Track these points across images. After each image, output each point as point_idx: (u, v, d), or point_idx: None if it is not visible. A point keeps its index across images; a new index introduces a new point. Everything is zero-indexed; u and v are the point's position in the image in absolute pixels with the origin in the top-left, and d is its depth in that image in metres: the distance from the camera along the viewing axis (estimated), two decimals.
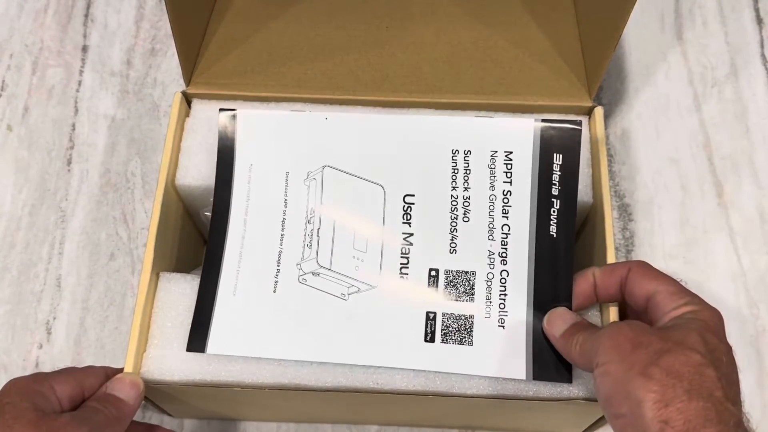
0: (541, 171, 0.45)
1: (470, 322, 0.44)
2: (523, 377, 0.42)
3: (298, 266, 0.45)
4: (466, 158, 0.46)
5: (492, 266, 0.45)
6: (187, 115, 0.52)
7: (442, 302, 0.44)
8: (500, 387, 0.44)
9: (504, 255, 0.45)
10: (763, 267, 0.59)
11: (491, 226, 0.45)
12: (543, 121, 0.46)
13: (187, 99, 0.52)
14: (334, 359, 0.43)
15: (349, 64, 0.54)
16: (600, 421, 0.47)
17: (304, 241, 0.46)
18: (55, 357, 0.56)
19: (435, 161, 0.47)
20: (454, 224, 0.45)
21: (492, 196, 0.46)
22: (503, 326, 0.44)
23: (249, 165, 0.48)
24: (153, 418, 0.54)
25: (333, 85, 0.52)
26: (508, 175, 0.46)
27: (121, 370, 0.43)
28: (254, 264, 0.46)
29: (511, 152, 0.46)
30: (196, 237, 0.57)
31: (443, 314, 0.44)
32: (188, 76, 0.53)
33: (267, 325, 0.44)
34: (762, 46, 0.67)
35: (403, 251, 0.45)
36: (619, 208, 0.61)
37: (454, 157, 0.46)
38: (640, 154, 0.63)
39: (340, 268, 0.45)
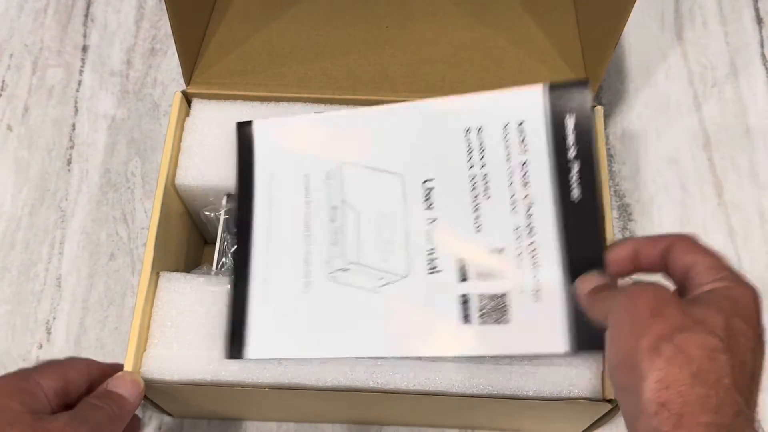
0: (555, 136, 0.44)
1: (505, 300, 0.42)
2: (564, 351, 0.41)
3: (327, 264, 0.45)
4: (480, 135, 0.45)
5: (520, 240, 0.43)
6: (187, 114, 0.52)
7: (474, 283, 0.43)
8: (500, 386, 0.44)
9: (530, 227, 0.43)
10: (763, 267, 0.59)
11: (513, 199, 0.44)
12: (551, 86, 0.45)
13: (187, 99, 0.52)
14: (373, 353, 0.43)
15: (349, 64, 0.54)
16: (600, 421, 0.47)
17: (330, 239, 0.46)
18: (55, 357, 0.56)
19: (449, 143, 0.46)
20: (476, 203, 0.45)
21: (510, 170, 0.44)
22: (539, 300, 0.42)
23: (269, 174, 0.48)
24: (153, 417, 0.54)
25: (333, 85, 0.52)
26: (523, 145, 0.44)
27: (101, 363, 0.43)
28: (282, 268, 0.46)
29: (522, 122, 0.45)
30: (196, 237, 0.57)
31: (477, 295, 0.43)
32: (188, 76, 0.53)
33: (302, 326, 0.44)
34: (762, 46, 0.67)
35: (429, 237, 0.45)
36: (619, 208, 0.61)
37: (468, 136, 0.46)
38: (640, 154, 0.63)
39: (369, 261, 0.45)
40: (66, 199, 0.62)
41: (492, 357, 0.43)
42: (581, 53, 0.54)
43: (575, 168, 0.43)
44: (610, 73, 0.66)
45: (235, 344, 0.44)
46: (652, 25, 0.68)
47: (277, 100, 0.52)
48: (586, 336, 0.41)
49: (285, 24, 0.56)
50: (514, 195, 0.44)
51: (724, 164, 0.62)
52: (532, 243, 0.43)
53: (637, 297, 0.34)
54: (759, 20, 0.68)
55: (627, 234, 0.60)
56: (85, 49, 0.67)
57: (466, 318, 0.43)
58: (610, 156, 0.62)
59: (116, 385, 0.42)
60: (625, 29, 0.46)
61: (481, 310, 0.42)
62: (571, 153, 0.43)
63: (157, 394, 0.46)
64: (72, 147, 0.63)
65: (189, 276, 0.47)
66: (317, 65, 0.54)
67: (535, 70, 0.53)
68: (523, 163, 0.44)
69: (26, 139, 0.64)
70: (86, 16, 0.69)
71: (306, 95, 0.52)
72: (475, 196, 0.45)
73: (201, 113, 0.52)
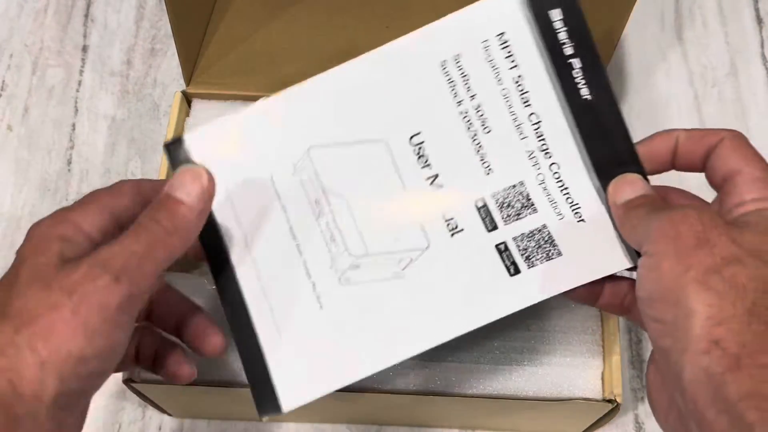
0: (544, 36, 0.38)
1: (547, 232, 0.38)
2: (629, 264, 0.36)
3: (332, 269, 0.39)
4: (458, 64, 0.39)
5: (538, 166, 0.38)
6: (187, 114, 0.52)
7: (506, 228, 0.38)
8: (500, 386, 0.44)
9: (545, 148, 0.38)
10: None
11: (517, 123, 0.38)
12: None
13: (187, 99, 0.52)
14: (424, 346, 0.37)
15: None
16: (600, 421, 0.47)
17: (325, 239, 0.39)
18: None
19: (426, 84, 0.39)
20: (476, 141, 0.39)
21: (504, 91, 0.38)
22: (583, 220, 0.37)
23: (225, 191, 0.39)
24: (153, 417, 0.54)
25: None
26: (511, 59, 0.38)
27: (153, 181, 0.37)
28: (283, 292, 0.39)
29: (503, 33, 0.38)
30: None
31: (514, 239, 0.38)
32: (188, 76, 0.53)
33: (332, 349, 0.38)
34: (762, 46, 0.67)
35: (436, 197, 0.39)
36: None
37: (445, 69, 0.39)
38: None
39: (379, 247, 0.38)
40: (66, 199, 0.62)
41: (546, 300, 0.37)
42: None
43: (577, 65, 0.38)
44: (610, 73, 0.66)
45: (264, 400, 0.37)
46: (652, 25, 0.68)
47: None
48: None
49: (285, 24, 0.56)
50: (516, 118, 0.38)
51: None
52: (552, 164, 0.38)
53: (680, 223, 0.30)
54: (759, 20, 0.68)
55: None
56: (85, 49, 0.67)
57: (512, 267, 0.37)
58: None
59: (171, 186, 0.34)
60: (625, 29, 0.46)
61: (524, 253, 0.38)
62: (568, 50, 0.38)
63: (157, 394, 0.46)
64: (72, 147, 0.63)
65: (189, 276, 0.47)
66: (317, 65, 0.54)
67: None
68: (517, 79, 0.38)
69: (26, 139, 0.64)
70: (86, 16, 0.69)
71: None
72: (473, 135, 0.39)
73: (201, 113, 0.52)
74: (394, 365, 0.37)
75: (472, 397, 0.44)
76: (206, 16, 0.56)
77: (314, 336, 0.38)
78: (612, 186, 0.36)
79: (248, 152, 0.40)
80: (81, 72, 0.66)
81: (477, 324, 0.37)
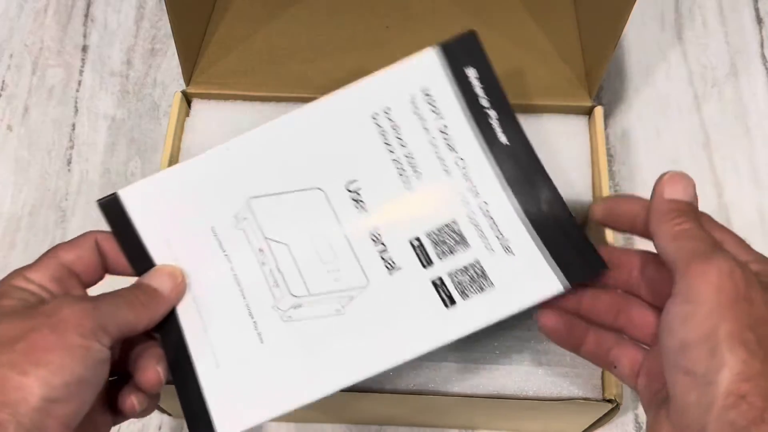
0: (463, 91, 0.42)
1: (479, 266, 0.40)
2: (561, 289, 0.39)
3: (275, 308, 0.41)
4: (389, 116, 0.43)
5: (467, 204, 0.41)
6: (187, 114, 0.52)
7: (441, 264, 0.41)
8: (500, 386, 0.44)
9: (473, 188, 0.42)
10: None
11: (445, 168, 0.42)
12: (442, 45, 0.43)
13: (187, 99, 0.52)
14: (361, 375, 0.39)
15: (349, 64, 0.54)
16: (600, 421, 0.47)
17: (268, 284, 0.41)
18: None
19: (359, 136, 0.43)
20: (409, 186, 0.42)
21: (432, 140, 0.42)
22: (512, 253, 0.40)
23: (165, 243, 0.41)
24: (153, 417, 0.54)
25: (333, 85, 0.52)
26: (436, 111, 0.43)
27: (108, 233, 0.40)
28: (224, 331, 0.41)
29: (428, 88, 0.43)
30: None
31: (449, 274, 0.40)
32: (188, 76, 0.53)
33: (271, 379, 0.40)
34: (762, 46, 0.67)
35: (374, 237, 0.42)
36: None
37: (377, 122, 0.43)
38: (640, 154, 0.63)
39: (319, 287, 0.41)
40: (66, 199, 0.62)
41: (484, 329, 0.39)
42: (581, 53, 0.54)
43: (494, 116, 0.42)
44: (610, 73, 0.66)
45: (200, 428, 0.39)
46: (652, 25, 0.68)
47: (277, 100, 0.52)
48: (574, 267, 0.39)
49: (285, 24, 0.56)
50: (444, 163, 0.42)
51: (724, 164, 0.62)
52: (481, 202, 0.41)
53: (726, 276, 0.31)
54: (759, 20, 0.68)
55: (627, 234, 0.60)
56: (85, 49, 0.67)
57: (450, 300, 0.40)
58: (610, 156, 0.62)
59: (148, 276, 0.39)
60: (625, 29, 0.46)
61: (459, 287, 0.40)
62: (484, 103, 0.42)
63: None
64: (72, 147, 0.63)
65: None
66: (317, 65, 0.54)
67: (535, 70, 0.53)
68: (443, 128, 0.42)
69: (26, 139, 0.64)
70: (86, 16, 0.69)
71: (306, 95, 0.52)
72: (406, 180, 0.42)
73: (201, 113, 0.52)
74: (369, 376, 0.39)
75: (472, 397, 0.44)
76: (206, 16, 0.56)
77: (253, 368, 0.40)
78: (667, 177, 0.35)
79: (187, 204, 0.42)
80: (81, 72, 0.66)
81: (415, 353, 0.39)
